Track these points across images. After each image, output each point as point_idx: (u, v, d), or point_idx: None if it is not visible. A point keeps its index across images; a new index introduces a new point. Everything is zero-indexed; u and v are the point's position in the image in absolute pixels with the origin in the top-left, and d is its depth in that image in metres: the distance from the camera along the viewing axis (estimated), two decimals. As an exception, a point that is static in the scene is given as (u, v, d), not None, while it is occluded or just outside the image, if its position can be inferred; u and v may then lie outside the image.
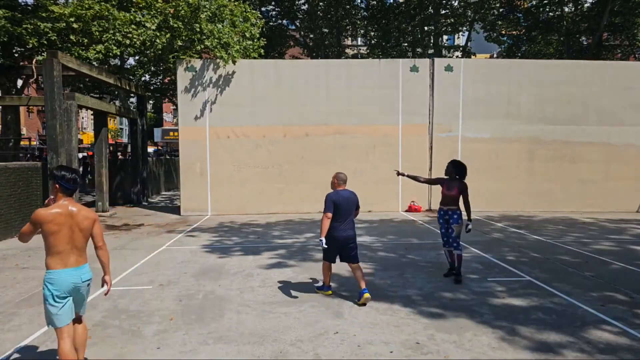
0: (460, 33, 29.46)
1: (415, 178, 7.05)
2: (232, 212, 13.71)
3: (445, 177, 6.77)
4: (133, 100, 32.17)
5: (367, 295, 5.50)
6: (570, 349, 4.28)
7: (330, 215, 5.48)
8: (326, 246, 5.50)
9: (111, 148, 26.10)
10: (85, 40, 13.20)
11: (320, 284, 6.09)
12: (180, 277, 6.76)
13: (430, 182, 7.52)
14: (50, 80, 10.99)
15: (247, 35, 14.38)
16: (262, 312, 5.27)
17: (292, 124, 14.04)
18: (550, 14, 26.94)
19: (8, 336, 4.64)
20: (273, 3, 26.96)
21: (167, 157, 29.48)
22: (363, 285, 5.59)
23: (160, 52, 14.17)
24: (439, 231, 6.87)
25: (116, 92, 24.63)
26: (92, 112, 23.54)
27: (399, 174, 7.08)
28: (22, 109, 24.97)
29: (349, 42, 38.20)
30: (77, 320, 3.72)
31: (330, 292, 5.93)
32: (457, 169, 6.64)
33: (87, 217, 3.62)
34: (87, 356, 4.19)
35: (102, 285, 3.82)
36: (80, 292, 3.63)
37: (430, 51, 27.15)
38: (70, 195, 3.62)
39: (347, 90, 14.08)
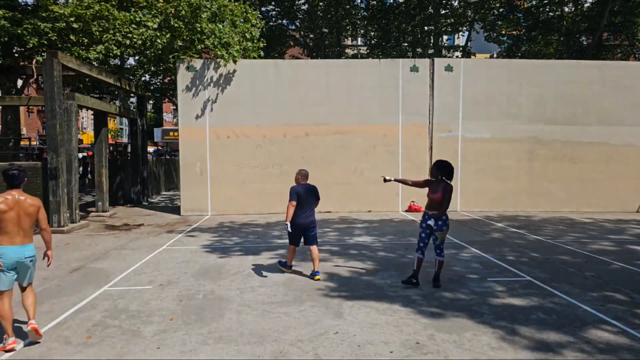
0: (460, 33, 29.47)
1: (403, 181, 6.85)
2: (232, 212, 13.71)
3: (432, 179, 6.39)
4: (133, 100, 32.19)
5: (318, 277, 6.56)
6: (570, 349, 4.28)
7: (294, 203, 6.48)
8: (290, 230, 6.54)
9: (111, 148, 26.09)
10: (86, 40, 13.19)
11: (284, 261, 7.09)
12: (180, 277, 6.77)
13: (418, 184, 6.73)
14: (50, 80, 10.99)
15: (248, 36, 14.39)
16: (262, 312, 5.27)
17: (292, 124, 14.04)
18: (550, 14, 26.92)
19: (8, 336, 4.64)
20: (273, 3, 26.95)
21: (167, 157, 29.46)
22: (316, 268, 6.63)
23: (160, 52, 14.17)
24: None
25: (116, 92, 24.64)
26: (92, 112, 23.53)
27: (385, 180, 6.70)
28: (22, 109, 24.96)
29: (349, 42, 38.19)
30: (25, 289, 4.48)
31: (291, 270, 6.90)
32: (441, 171, 6.19)
33: (33, 204, 4.38)
34: (87, 356, 4.21)
35: (44, 258, 4.57)
36: (25, 265, 4.38)
37: (430, 51, 27.13)
38: (16, 187, 4.36)
39: (347, 90, 14.08)
